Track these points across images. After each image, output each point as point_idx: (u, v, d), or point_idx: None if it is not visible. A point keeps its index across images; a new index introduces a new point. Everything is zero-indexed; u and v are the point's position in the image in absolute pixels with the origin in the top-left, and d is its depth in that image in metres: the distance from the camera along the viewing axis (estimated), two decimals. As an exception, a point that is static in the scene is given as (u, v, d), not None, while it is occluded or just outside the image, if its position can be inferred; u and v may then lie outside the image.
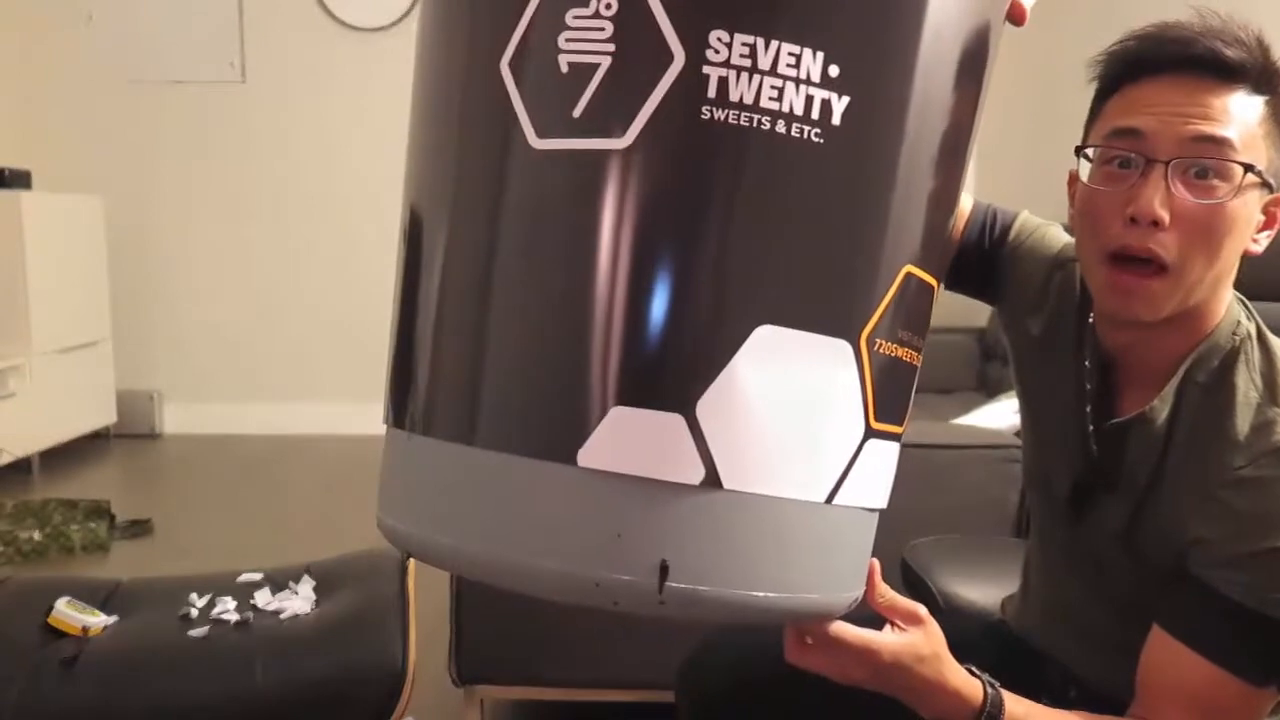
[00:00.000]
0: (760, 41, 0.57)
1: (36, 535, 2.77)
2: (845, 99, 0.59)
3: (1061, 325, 0.94)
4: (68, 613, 1.41)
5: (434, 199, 0.67)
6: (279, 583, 1.54)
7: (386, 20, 4.20)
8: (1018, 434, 2.07)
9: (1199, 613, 0.78)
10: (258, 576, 1.57)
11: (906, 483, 2.18)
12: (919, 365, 0.71)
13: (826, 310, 0.62)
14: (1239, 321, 0.84)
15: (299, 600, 1.47)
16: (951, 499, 1.94)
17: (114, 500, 3.03)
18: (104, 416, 4.07)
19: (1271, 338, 0.85)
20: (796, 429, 0.61)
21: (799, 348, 0.60)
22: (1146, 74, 0.80)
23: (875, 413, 0.66)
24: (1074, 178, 0.87)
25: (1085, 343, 0.90)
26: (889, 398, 0.67)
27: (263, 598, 1.48)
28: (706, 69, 0.57)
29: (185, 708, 1.28)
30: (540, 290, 0.60)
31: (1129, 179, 0.79)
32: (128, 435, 4.22)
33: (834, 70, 0.58)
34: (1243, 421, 0.79)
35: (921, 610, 0.78)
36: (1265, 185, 0.79)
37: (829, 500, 0.64)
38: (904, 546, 1.61)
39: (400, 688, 1.33)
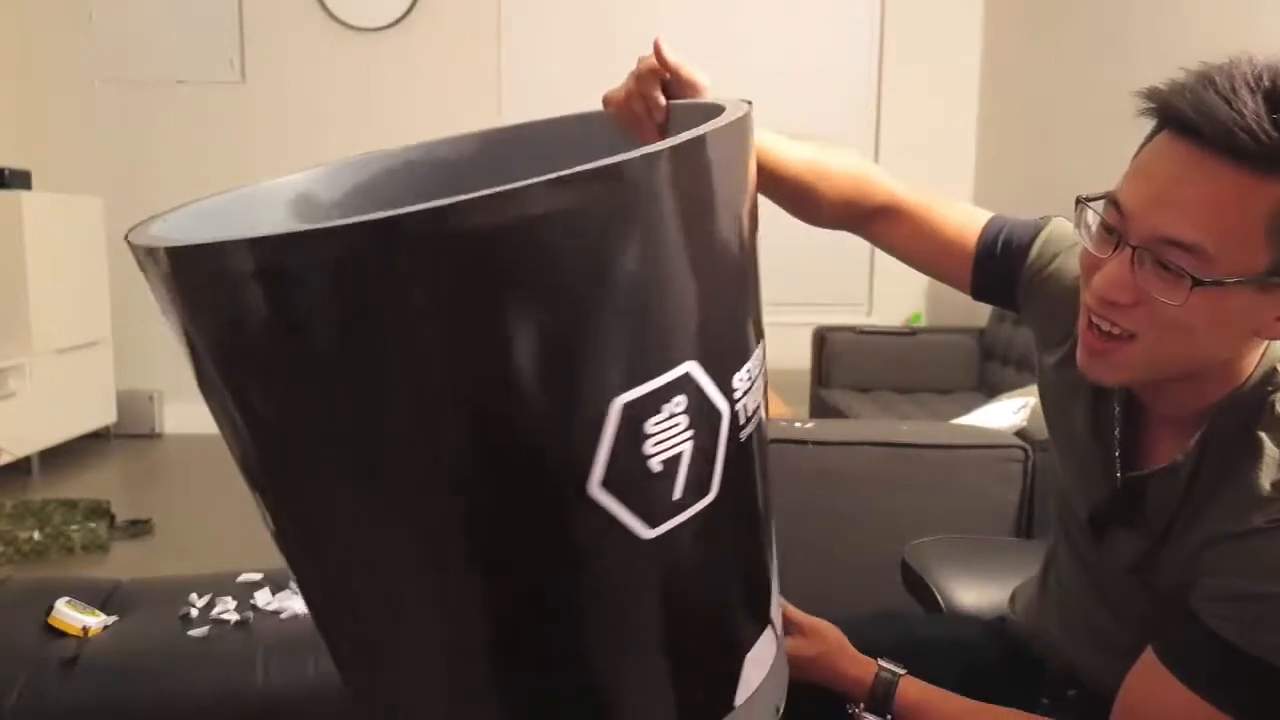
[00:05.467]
0: (749, 367, 0.70)
1: (36, 535, 2.77)
2: None
3: None
4: (68, 613, 1.41)
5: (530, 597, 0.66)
6: (279, 583, 1.54)
7: (386, 20, 4.20)
8: (1018, 434, 2.07)
9: (1189, 644, 0.77)
10: (258, 576, 1.57)
11: (906, 483, 2.19)
12: None
13: None
14: (1274, 368, 0.79)
15: (299, 600, 1.47)
16: (951, 499, 1.94)
17: (114, 500, 3.03)
18: (104, 416, 4.07)
19: None
20: None
21: None
22: (1170, 127, 0.73)
23: None
24: None
25: (1114, 388, 0.87)
26: None
27: (263, 598, 1.48)
28: (736, 407, 0.67)
29: (185, 708, 1.28)
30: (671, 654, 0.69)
31: (1110, 246, 0.75)
32: (128, 435, 4.22)
33: None
34: (1265, 480, 0.75)
35: (802, 621, 0.97)
36: (1274, 280, 0.70)
37: None
38: (904, 546, 1.61)
39: (400, 688, 1.32)
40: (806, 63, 4.27)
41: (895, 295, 4.32)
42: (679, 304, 0.62)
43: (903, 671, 0.94)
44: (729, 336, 0.68)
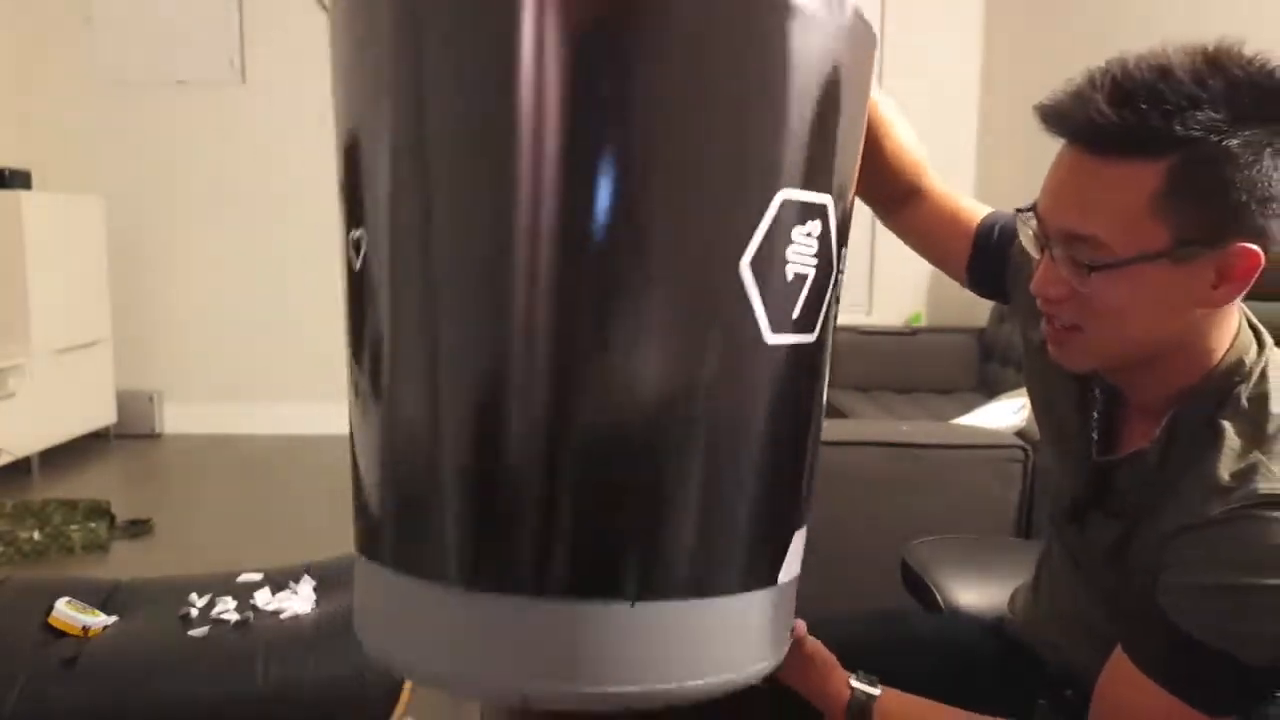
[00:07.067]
0: (843, 264, 0.79)
1: (36, 535, 2.77)
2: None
3: None
4: (68, 613, 1.41)
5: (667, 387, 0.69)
6: (279, 583, 1.54)
7: (386, 20, 4.20)
8: (1018, 434, 2.07)
9: (1152, 637, 0.76)
10: (258, 576, 1.57)
11: (906, 483, 2.19)
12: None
13: None
14: (1241, 359, 0.80)
15: (299, 600, 1.48)
16: (951, 499, 1.94)
17: (114, 500, 3.03)
18: (104, 416, 4.07)
19: (1275, 376, 0.79)
20: None
21: None
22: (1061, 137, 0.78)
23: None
24: None
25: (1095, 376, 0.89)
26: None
27: (263, 598, 1.48)
28: (838, 275, 0.75)
29: (185, 708, 1.28)
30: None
31: (1040, 249, 0.80)
32: (128, 435, 4.22)
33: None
34: (1224, 469, 0.75)
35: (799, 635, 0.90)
36: (1183, 253, 0.72)
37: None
38: (904, 546, 1.61)
39: (400, 687, 1.33)
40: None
41: (895, 295, 4.32)
42: (851, 146, 0.71)
43: (877, 692, 0.89)
44: (849, 209, 0.77)
